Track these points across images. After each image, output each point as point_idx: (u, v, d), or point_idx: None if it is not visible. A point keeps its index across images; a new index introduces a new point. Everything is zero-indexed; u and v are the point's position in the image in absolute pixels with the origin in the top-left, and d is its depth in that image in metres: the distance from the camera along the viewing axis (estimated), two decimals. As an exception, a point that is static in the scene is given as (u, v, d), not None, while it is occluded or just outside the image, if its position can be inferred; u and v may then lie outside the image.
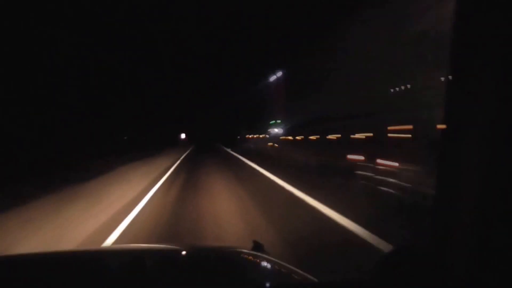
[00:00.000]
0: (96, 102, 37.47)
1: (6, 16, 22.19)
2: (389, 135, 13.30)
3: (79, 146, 26.47)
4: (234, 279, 1.48)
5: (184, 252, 1.98)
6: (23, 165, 15.76)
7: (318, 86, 28.21)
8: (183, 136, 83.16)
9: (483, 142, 1.15)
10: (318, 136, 25.27)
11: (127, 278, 1.46)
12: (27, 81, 27.43)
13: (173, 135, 78.27)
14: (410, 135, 12.09)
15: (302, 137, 30.09)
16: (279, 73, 49.10)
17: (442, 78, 12.29)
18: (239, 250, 1.95)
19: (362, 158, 11.69)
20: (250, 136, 60.96)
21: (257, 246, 2.00)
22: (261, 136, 52.13)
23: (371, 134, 15.39)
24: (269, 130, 51.25)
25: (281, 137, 39.18)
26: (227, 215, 6.14)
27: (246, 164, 17.43)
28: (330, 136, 21.08)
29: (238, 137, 70.12)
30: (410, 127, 12.17)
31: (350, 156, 12.61)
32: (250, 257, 1.81)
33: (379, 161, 10.01)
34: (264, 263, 1.71)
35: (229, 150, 33.40)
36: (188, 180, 11.54)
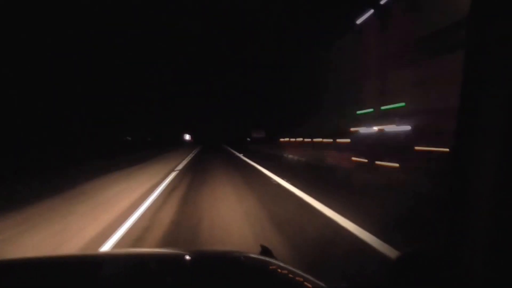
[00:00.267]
0: (99, 102, 37.70)
1: (6, 16, 22.46)
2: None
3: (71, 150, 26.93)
4: (243, 284, 1.47)
5: (190, 256, 1.97)
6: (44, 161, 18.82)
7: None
8: (187, 137, 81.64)
9: (497, 143, 1.13)
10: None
11: (131, 283, 1.45)
12: (36, 84, 27.81)
13: (178, 135, 77.09)
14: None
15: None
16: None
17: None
18: (247, 254, 1.93)
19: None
20: (285, 140, 35.71)
21: (265, 251, 1.98)
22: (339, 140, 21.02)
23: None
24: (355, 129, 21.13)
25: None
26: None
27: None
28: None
29: (248, 139, 61.85)
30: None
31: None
32: (259, 262, 1.80)
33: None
34: (274, 268, 1.69)
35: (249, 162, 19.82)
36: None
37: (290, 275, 1.61)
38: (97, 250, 4.38)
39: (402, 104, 14.38)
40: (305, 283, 1.50)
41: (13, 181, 11.49)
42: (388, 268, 1.29)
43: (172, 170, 14.68)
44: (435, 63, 11.67)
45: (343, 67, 22.04)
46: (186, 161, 20.46)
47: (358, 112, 19.02)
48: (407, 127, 12.78)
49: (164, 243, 4.72)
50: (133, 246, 4.57)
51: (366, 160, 13.66)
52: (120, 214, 6.49)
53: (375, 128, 15.91)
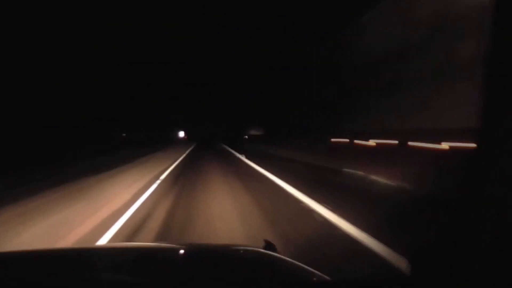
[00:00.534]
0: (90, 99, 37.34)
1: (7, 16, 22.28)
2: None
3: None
4: (249, 277, 1.48)
5: (195, 251, 1.98)
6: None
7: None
8: (181, 134, 77.59)
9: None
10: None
11: (129, 276, 1.45)
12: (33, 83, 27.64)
13: (172, 132, 74.57)
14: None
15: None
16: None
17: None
18: (252, 248, 1.95)
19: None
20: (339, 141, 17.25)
21: (268, 246, 2.01)
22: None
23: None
24: None
25: None
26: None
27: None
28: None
29: (246, 137, 56.99)
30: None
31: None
32: (264, 256, 1.82)
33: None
34: (277, 262, 1.72)
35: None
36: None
37: (293, 269, 1.62)
38: (93, 244, 4.36)
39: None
40: (308, 275, 1.53)
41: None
42: (401, 270, 1.26)
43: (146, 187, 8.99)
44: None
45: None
46: (173, 168, 13.94)
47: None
48: None
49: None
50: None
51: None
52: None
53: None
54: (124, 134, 57.01)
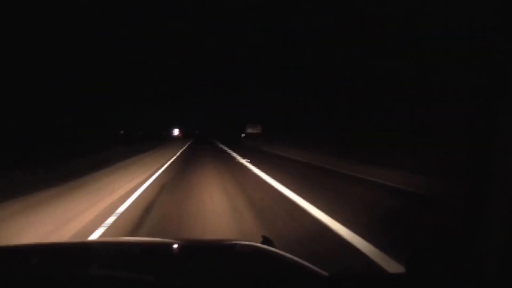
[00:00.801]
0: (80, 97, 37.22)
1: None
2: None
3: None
4: (247, 272, 1.48)
5: (192, 246, 1.98)
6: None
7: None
8: (176, 132, 72.92)
9: None
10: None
11: (123, 270, 1.44)
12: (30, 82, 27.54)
13: (166, 130, 72.35)
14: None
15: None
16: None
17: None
18: (250, 243, 1.95)
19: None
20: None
21: (266, 241, 2.01)
22: None
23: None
24: None
25: None
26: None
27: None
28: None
29: (243, 135, 54.30)
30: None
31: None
32: (262, 250, 1.82)
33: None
34: (275, 257, 1.72)
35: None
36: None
37: (291, 264, 1.62)
38: (87, 239, 4.33)
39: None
40: (307, 270, 1.53)
41: None
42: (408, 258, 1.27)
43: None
44: None
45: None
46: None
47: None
48: None
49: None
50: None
51: None
52: None
53: None
54: (122, 132, 56.66)
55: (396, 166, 10.17)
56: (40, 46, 27.51)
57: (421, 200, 6.74)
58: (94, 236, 4.59)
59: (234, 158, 17.36)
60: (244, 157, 17.36)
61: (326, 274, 1.45)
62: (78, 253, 1.73)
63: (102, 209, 6.06)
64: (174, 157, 18.65)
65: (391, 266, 3.31)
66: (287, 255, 1.68)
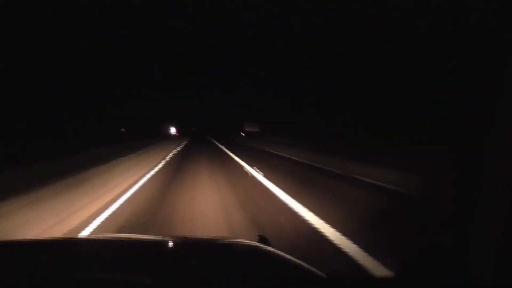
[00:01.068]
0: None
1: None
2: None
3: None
4: (244, 271, 1.47)
5: (188, 244, 1.97)
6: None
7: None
8: (172, 130, 69.29)
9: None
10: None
11: (117, 268, 1.44)
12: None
13: (162, 127, 70.81)
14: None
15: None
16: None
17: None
18: (246, 242, 1.94)
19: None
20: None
21: (262, 240, 2.00)
22: None
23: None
24: None
25: None
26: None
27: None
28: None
29: (242, 133, 53.76)
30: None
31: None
32: (258, 249, 1.81)
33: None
34: (272, 256, 1.71)
35: None
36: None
37: (288, 263, 1.62)
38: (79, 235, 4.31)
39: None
40: (303, 270, 1.52)
41: None
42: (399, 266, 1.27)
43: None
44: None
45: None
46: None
47: None
48: None
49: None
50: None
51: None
52: None
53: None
54: (122, 129, 56.21)
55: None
56: (40, 46, 27.53)
57: (408, 198, 7.35)
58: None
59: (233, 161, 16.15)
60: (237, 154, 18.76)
61: (323, 274, 1.44)
62: (70, 250, 1.71)
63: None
64: (177, 150, 22.75)
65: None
66: (284, 254, 1.67)
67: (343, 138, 22.28)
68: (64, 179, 6.41)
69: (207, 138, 55.00)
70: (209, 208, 6.18)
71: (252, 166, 12.96)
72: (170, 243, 1.92)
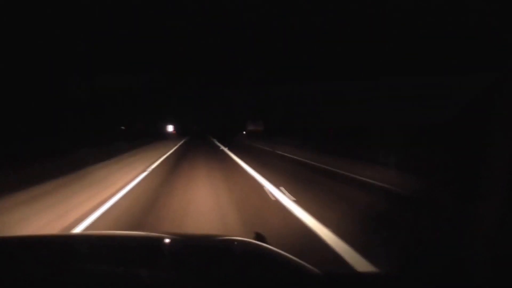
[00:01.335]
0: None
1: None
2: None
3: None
4: (240, 269, 1.47)
5: (184, 241, 1.96)
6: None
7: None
8: (170, 129, 67.87)
9: None
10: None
11: (115, 264, 1.42)
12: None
13: (161, 126, 70.43)
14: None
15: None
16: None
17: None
18: (243, 239, 1.94)
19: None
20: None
21: (259, 237, 2.00)
22: None
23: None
24: None
25: None
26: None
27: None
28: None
29: (244, 132, 51.44)
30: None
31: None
32: (255, 247, 1.81)
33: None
34: (268, 254, 1.71)
35: None
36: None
37: (285, 261, 1.62)
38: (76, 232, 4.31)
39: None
40: (300, 267, 1.52)
41: None
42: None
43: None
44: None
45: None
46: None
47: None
48: None
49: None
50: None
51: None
52: None
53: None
54: (122, 127, 56.04)
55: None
56: (41, 45, 27.53)
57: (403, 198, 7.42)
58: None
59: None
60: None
61: (318, 271, 1.44)
62: (67, 247, 1.71)
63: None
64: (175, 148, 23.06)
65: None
66: (280, 251, 1.67)
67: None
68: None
69: (209, 138, 53.73)
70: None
71: (276, 186, 8.38)
72: (167, 240, 1.91)
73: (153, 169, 13.20)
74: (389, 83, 17.54)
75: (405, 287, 1.19)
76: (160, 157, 18.09)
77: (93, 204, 6.83)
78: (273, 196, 7.48)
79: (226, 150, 24.29)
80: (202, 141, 43.70)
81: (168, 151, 22.65)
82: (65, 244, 1.74)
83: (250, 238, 1.96)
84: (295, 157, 18.00)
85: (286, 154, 19.43)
